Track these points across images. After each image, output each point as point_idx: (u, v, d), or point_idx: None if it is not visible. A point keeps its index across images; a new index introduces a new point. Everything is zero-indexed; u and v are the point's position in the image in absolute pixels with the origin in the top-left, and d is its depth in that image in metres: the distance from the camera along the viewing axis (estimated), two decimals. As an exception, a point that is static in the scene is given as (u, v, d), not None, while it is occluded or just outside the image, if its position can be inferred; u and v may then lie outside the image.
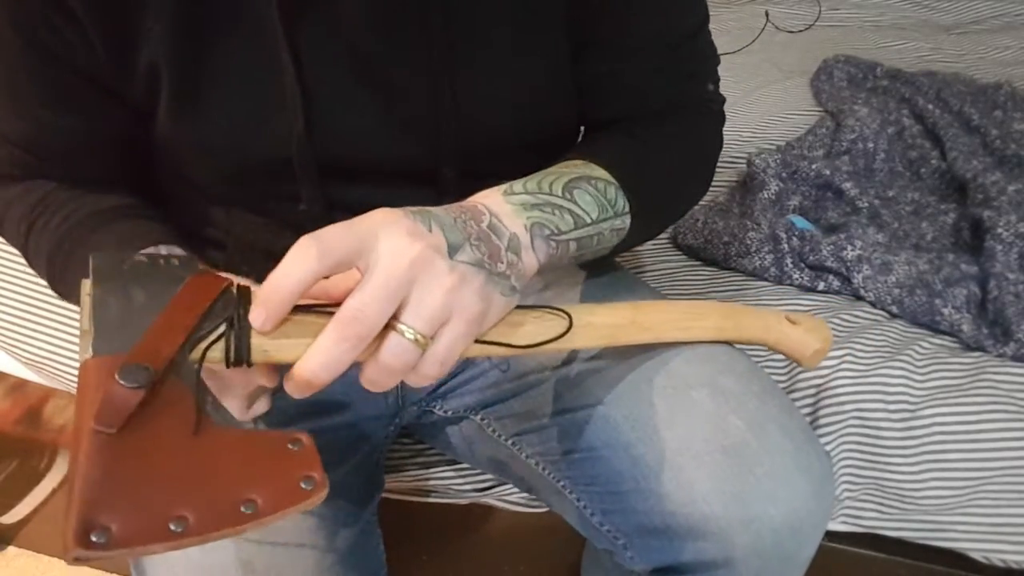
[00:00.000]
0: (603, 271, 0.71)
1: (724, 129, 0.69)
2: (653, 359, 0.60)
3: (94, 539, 0.31)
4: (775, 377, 0.81)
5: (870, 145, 1.12)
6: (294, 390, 0.42)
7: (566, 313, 0.49)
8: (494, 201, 0.49)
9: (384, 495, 0.73)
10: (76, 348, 0.89)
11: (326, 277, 0.41)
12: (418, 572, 0.97)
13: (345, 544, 0.60)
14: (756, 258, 0.93)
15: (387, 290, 0.40)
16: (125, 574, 0.67)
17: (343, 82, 0.55)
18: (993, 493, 0.78)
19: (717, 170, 0.78)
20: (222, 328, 0.41)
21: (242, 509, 0.35)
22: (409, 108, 0.57)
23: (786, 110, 1.26)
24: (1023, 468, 0.77)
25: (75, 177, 0.59)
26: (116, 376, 0.36)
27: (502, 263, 0.46)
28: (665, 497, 0.56)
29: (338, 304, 0.41)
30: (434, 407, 0.72)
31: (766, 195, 1.03)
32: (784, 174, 1.04)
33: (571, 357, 0.64)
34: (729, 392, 0.58)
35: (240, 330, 0.41)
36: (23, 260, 0.94)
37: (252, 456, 0.37)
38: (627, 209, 0.56)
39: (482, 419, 0.69)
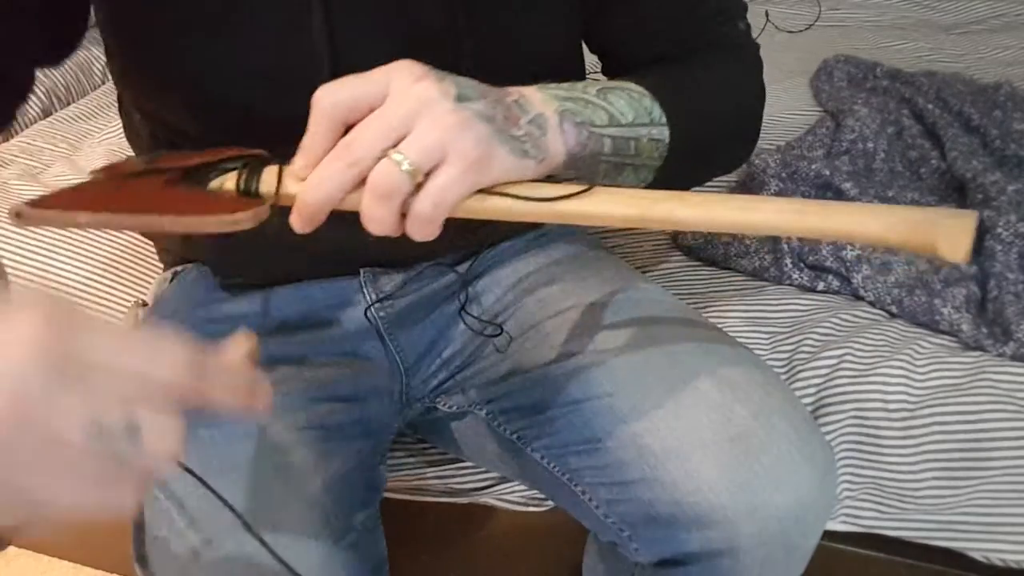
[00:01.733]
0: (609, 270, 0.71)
1: None
2: (658, 351, 0.60)
3: (31, 203, 0.41)
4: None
5: (870, 145, 1.12)
6: (297, 220, 0.44)
7: (586, 186, 0.44)
8: (527, 89, 0.48)
9: (384, 495, 0.73)
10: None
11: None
12: (418, 572, 0.97)
13: (349, 538, 0.60)
14: (756, 258, 0.93)
15: (384, 120, 0.41)
16: (125, 573, 0.67)
17: (369, 36, 0.56)
18: (993, 493, 0.78)
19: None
20: (238, 168, 0.45)
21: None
22: (431, 58, 0.58)
23: (786, 110, 1.26)
24: (1023, 468, 0.77)
25: None
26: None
27: (519, 129, 0.45)
28: (671, 486, 0.56)
29: None
30: (438, 403, 0.72)
31: (766, 195, 1.03)
32: (784, 174, 1.04)
33: (575, 349, 0.64)
34: (734, 383, 0.58)
35: (252, 170, 0.45)
36: (23, 259, 0.95)
37: (202, 202, 0.44)
38: (663, 120, 0.54)
39: (487, 414, 0.69)
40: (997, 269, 0.88)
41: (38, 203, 0.40)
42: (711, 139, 0.62)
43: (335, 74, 0.55)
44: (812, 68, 1.35)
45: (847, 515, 0.80)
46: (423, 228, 0.43)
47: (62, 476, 0.30)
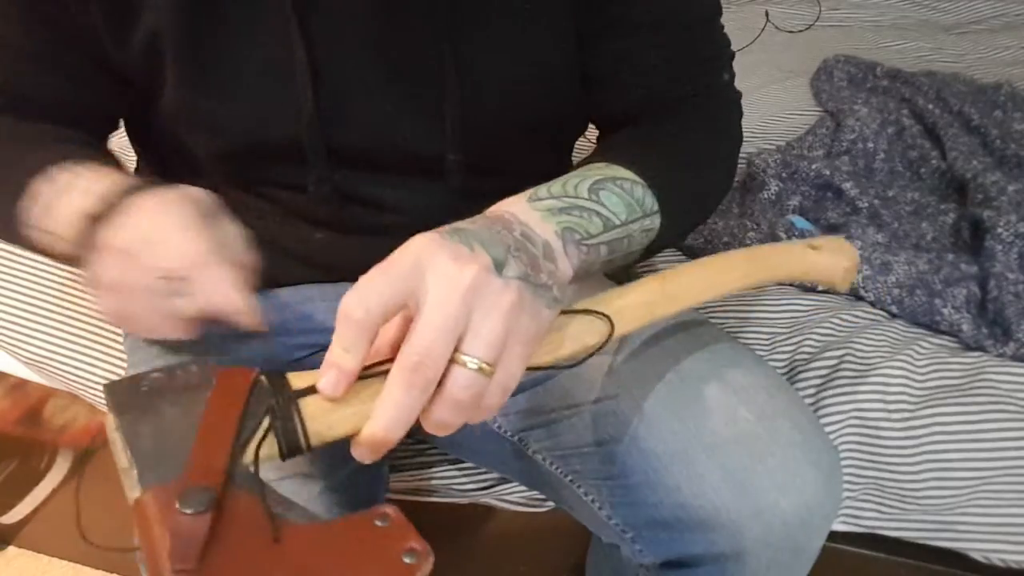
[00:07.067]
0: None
1: None
2: (661, 353, 0.60)
3: None
4: (775, 377, 0.82)
5: (870, 145, 1.12)
6: (365, 455, 0.40)
7: (604, 314, 0.46)
8: (520, 208, 0.47)
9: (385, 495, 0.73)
10: (75, 347, 0.89)
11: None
12: (418, 572, 0.97)
13: None
14: (756, 258, 0.93)
15: (446, 325, 0.38)
16: (125, 573, 0.68)
17: (352, 61, 0.56)
18: (993, 493, 0.78)
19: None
20: (266, 422, 0.38)
21: None
22: (415, 87, 0.57)
23: (786, 110, 1.26)
24: (1023, 468, 0.77)
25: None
26: (177, 506, 0.33)
27: (543, 273, 0.43)
28: (675, 489, 0.56)
29: (385, 360, 0.39)
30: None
31: (766, 195, 1.03)
32: (784, 174, 1.04)
33: None
34: (738, 385, 0.58)
35: (286, 418, 0.38)
36: (23, 259, 0.94)
37: (344, 546, 0.35)
38: (656, 208, 0.53)
39: None
40: (997, 269, 0.88)
41: None
42: (699, 203, 0.64)
43: (317, 102, 0.55)
44: (812, 68, 1.35)
45: (847, 515, 0.80)
46: (492, 414, 0.41)
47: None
